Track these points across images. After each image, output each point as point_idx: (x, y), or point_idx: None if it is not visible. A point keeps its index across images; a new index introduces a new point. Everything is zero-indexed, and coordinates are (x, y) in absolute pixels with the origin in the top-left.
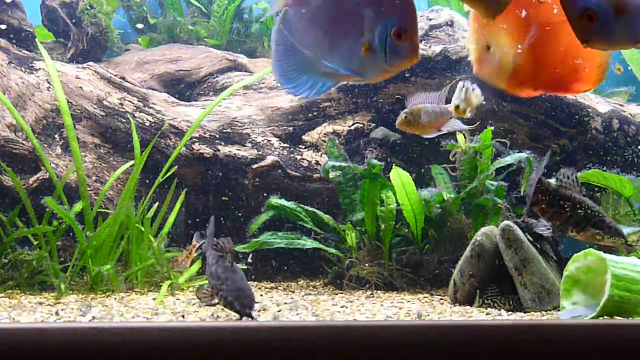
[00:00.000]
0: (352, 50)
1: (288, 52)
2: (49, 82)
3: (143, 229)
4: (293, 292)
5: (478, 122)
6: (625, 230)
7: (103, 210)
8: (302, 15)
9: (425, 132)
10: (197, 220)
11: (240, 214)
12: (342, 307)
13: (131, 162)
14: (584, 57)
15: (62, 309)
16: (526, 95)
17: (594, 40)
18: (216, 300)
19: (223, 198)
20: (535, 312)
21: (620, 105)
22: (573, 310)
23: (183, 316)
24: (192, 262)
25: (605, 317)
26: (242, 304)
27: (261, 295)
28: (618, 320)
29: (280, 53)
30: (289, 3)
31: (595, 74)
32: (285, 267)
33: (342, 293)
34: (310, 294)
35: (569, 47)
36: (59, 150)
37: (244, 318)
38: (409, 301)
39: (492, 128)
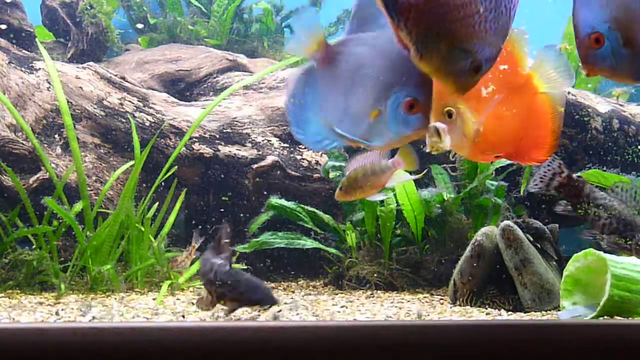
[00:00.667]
0: (362, 115)
1: (303, 103)
2: (49, 82)
3: (143, 229)
4: (293, 292)
5: (425, 170)
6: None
7: (103, 210)
8: (326, 76)
9: (367, 194)
10: (198, 220)
11: (240, 214)
12: (342, 307)
13: (131, 162)
14: (539, 127)
15: (62, 309)
16: (485, 161)
17: (597, 66)
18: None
19: (223, 198)
20: (535, 312)
21: (620, 105)
22: (573, 310)
23: (183, 316)
24: (192, 262)
25: (605, 317)
26: (267, 295)
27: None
28: (618, 320)
29: (296, 101)
30: (319, 58)
31: (551, 141)
32: (286, 267)
33: (342, 293)
34: (310, 294)
35: (527, 117)
36: (59, 150)
37: (270, 308)
38: (409, 301)
39: None
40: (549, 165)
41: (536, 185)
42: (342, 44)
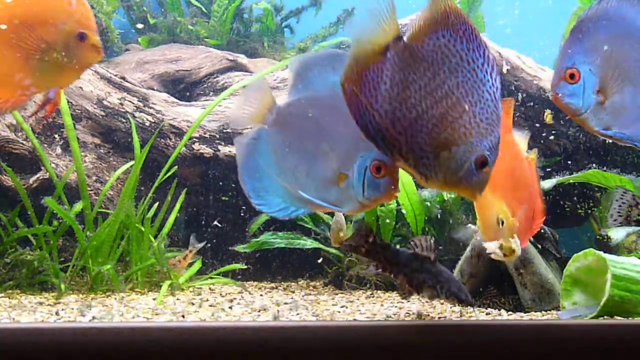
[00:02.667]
0: (329, 180)
1: (258, 171)
2: None
3: (143, 229)
4: (293, 292)
5: None
6: (626, 230)
7: (103, 210)
8: (280, 139)
9: None
10: (198, 220)
11: (240, 214)
12: (342, 307)
13: (131, 162)
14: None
15: (62, 309)
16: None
17: (563, 99)
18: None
19: (223, 198)
20: (536, 312)
21: None
22: (573, 310)
23: (183, 316)
24: (191, 264)
25: (605, 317)
26: (465, 293)
27: (261, 295)
28: (618, 320)
29: (250, 170)
30: (269, 122)
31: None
32: (286, 267)
33: (342, 293)
34: (310, 294)
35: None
36: (59, 150)
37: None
38: (409, 301)
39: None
40: (622, 199)
41: (615, 221)
42: (293, 105)
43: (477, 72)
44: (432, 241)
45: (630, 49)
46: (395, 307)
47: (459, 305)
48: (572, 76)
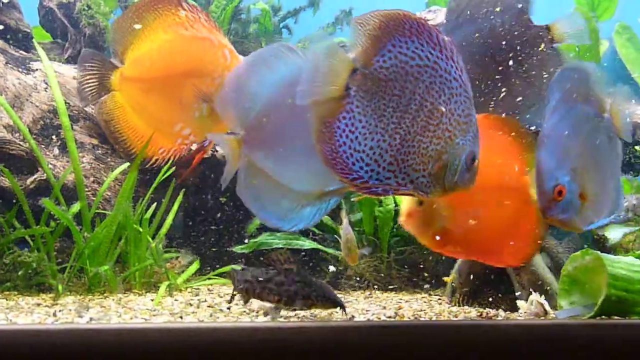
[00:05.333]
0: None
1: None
2: (46, 83)
3: (141, 229)
4: None
5: None
6: (623, 230)
7: (101, 211)
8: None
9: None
10: (197, 220)
11: (238, 215)
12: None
13: (129, 163)
14: (520, 234)
15: (60, 310)
16: (449, 255)
17: (557, 217)
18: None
19: (221, 199)
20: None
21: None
22: (571, 310)
23: (181, 317)
24: (190, 263)
25: (602, 316)
26: (337, 298)
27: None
28: (615, 320)
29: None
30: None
31: (530, 250)
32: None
33: (340, 293)
34: None
35: (511, 222)
36: (56, 151)
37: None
38: (407, 301)
39: None
40: None
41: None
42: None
43: (439, 64)
44: (288, 254)
45: (588, 143)
46: (394, 307)
47: (333, 308)
48: (560, 193)
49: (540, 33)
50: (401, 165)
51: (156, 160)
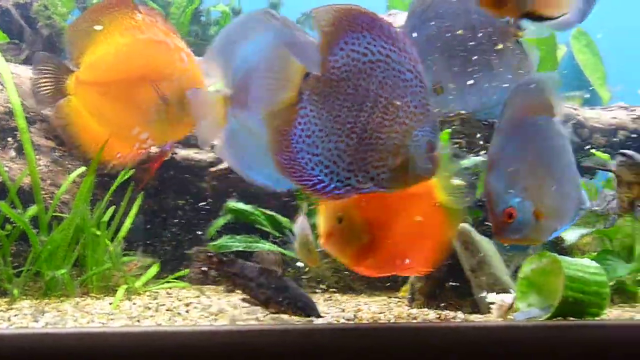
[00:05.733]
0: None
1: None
2: (2, 84)
3: (99, 232)
4: None
5: None
6: (579, 232)
7: (58, 214)
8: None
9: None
10: (155, 223)
11: (198, 218)
12: None
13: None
14: (428, 238)
15: (15, 315)
16: (368, 274)
17: (510, 238)
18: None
19: (180, 202)
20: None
21: (575, 109)
22: (528, 311)
23: (139, 321)
24: (149, 267)
25: (559, 318)
26: (312, 308)
27: (219, 299)
28: (572, 321)
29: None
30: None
31: (440, 255)
32: None
33: None
34: None
35: (420, 228)
36: (12, 153)
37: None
38: (366, 304)
39: (449, 130)
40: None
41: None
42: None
43: (392, 57)
44: (278, 256)
45: (540, 157)
46: (353, 309)
47: (306, 317)
48: (510, 215)
49: (504, 28)
50: (360, 163)
51: (114, 165)
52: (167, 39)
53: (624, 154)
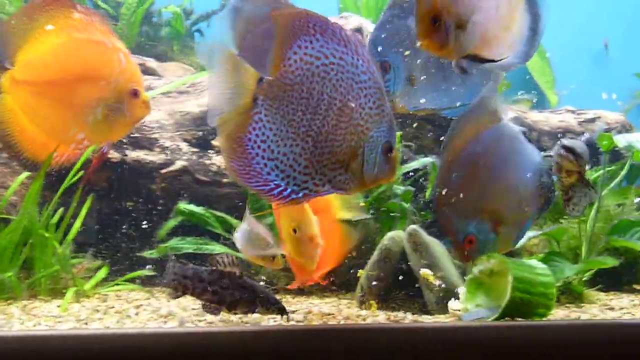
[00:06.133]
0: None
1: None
2: None
3: (47, 234)
4: None
5: None
6: (527, 234)
7: (5, 216)
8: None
9: None
10: (105, 225)
11: (149, 220)
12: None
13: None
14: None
15: None
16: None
17: (475, 257)
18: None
19: (129, 203)
20: (440, 314)
21: (523, 112)
22: (476, 312)
23: (86, 323)
24: (98, 269)
25: (507, 318)
26: (281, 304)
27: (169, 301)
28: (519, 321)
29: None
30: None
31: (336, 265)
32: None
33: None
34: None
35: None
36: None
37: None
38: (316, 305)
39: (400, 133)
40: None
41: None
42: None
43: (345, 60)
44: (234, 257)
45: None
46: (304, 311)
47: (277, 314)
48: (470, 241)
49: None
50: (317, 166)
51: (49, 165)
52: (104, 39)
53: (563, 146)
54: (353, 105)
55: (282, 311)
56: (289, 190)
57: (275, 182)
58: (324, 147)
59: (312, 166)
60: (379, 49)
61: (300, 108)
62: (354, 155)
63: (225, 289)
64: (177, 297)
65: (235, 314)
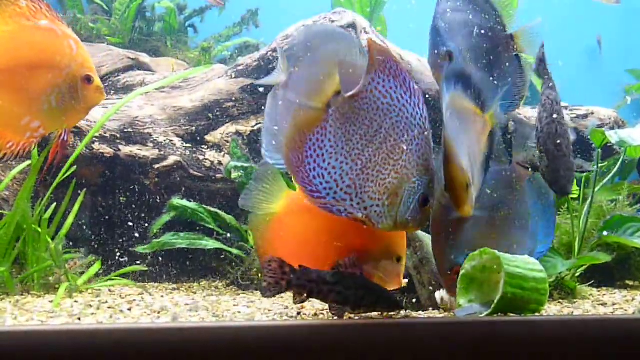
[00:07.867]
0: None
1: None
2: None
3: (40, 230)
4: (195, 293)
5: None
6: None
7: None
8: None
9: None
10: (99, 221)
11: (142, 215)
12: (244, 306)
13: (28, 162)
14: None
15: None
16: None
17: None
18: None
19: (122, 199)
20: (434, 310)
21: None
22: (469, 307)
23: (79, 318)
24: (91, 264)
25: (499, 314)
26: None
27: (162, 296)
28: (511, 317)
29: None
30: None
31: None
32: (189, 268)
33: (244, 294)
34: (212, 295)
35: None
36: None
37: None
38: (310, 301)
39: None
40: None
41: None
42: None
43: (407, 108)
44: (354, 258)
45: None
46: (298, 307)
47: (393, 311)
48: (457, 273)
49: (507, 41)
50: (358, 189)
51: (4, 154)
52: (54, 26)
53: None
54: (405, 147)
55: (400, 308)
56: (326, 200)
57: (317, 188)
58: (370, 175)
59: (354, 188)
60: (440, 38)
61: (359, 132)
62: (394, 193)
63: (349, 289)
64: (302, 301)
65: (359, 313)
